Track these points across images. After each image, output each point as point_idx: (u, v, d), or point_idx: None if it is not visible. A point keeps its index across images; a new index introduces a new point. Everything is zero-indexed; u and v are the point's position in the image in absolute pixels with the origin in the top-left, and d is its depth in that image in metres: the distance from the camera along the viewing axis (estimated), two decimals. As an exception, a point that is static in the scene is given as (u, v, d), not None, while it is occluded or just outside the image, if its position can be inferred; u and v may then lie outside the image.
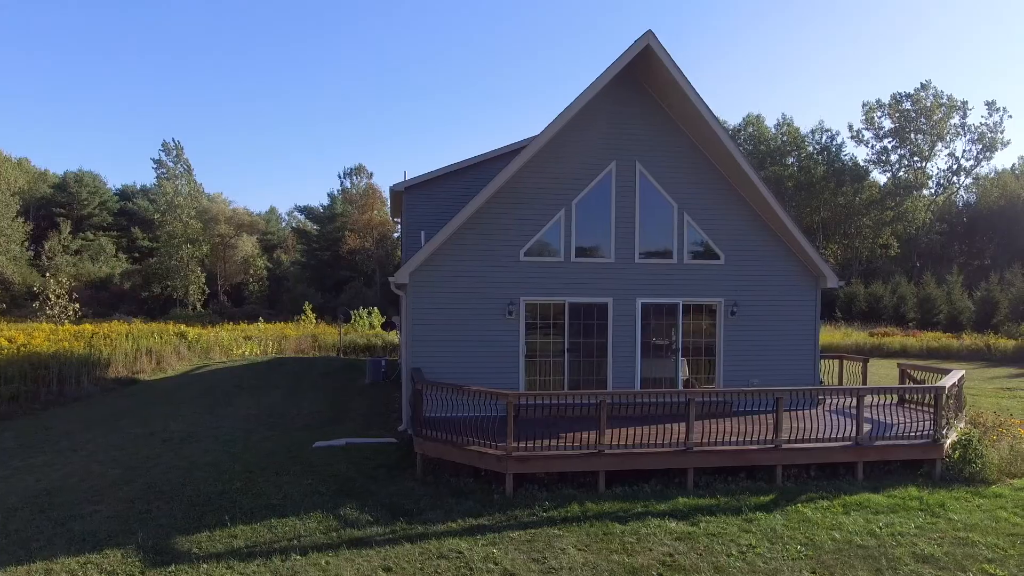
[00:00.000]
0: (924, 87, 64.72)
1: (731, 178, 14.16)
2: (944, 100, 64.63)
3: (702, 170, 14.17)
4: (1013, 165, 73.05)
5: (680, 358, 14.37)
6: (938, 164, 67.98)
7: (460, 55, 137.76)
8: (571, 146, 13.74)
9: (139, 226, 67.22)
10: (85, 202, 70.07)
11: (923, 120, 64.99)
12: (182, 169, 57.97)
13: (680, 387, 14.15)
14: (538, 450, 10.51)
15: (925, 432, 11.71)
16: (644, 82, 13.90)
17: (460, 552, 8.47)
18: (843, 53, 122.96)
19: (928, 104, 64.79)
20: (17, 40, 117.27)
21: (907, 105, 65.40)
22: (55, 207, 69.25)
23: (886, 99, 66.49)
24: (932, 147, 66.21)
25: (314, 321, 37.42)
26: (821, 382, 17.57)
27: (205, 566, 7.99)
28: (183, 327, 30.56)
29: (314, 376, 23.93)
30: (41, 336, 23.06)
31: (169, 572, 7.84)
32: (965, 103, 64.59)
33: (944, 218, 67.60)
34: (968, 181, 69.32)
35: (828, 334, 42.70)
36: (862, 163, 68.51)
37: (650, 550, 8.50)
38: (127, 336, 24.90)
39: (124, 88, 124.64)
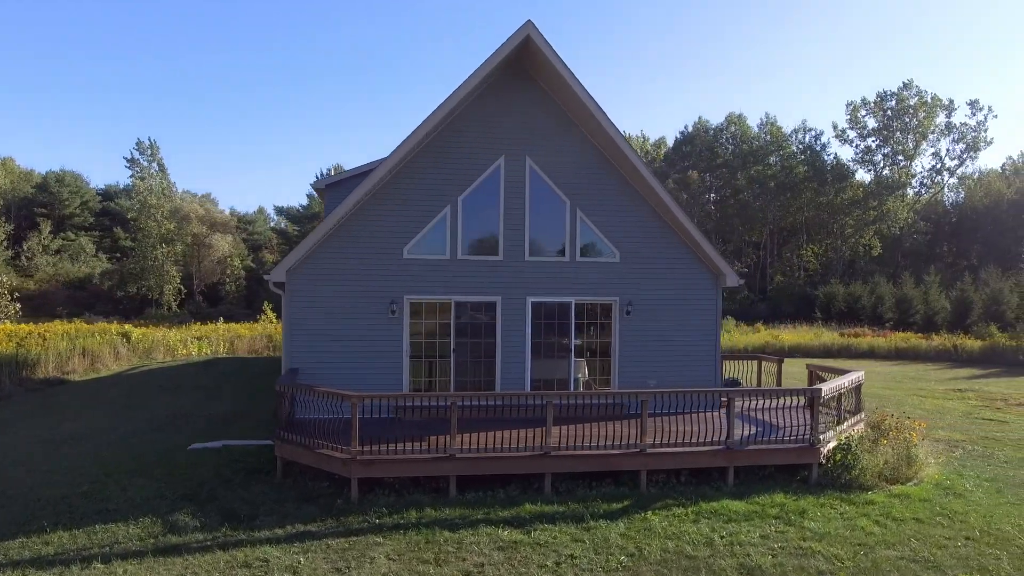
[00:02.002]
0: (907, 86, 64.16)
1: (627, 175, 13.78)
2: (928, 99, 64.05)
3: (597, 166, 13.80)
4: (1002, 165, 72.55)
5: (575, 359, 14.00)
6: (922, 163, 67.47)
7: (448, 50, 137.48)
8: (458, 140, 13.39)
9: (121, 226, 67.08)
10: (66, 202, 70.01)
11: (907, 119, 64.42)
12: (156, 168, 57.75)
13: (573, 388, 13.78)
14: (385, 453, 10.15)
15: (803, 436, 11.32)
16: (535, 76, 13.55)
17: (267, 560, 8.13)
18: (827, 52, 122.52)
19: (912, 103, 64.24)
20: (5, 37, 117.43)
21: (891, 104, 64.85)
22: (36, 207, 69.19)
23: (871, 98, 65.94)
24: (916, 146, 65.65)
25: (275, 321, 37.12)
26: (739, 383, 17.20)
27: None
28: (128, 327, 30.29)
29: (243, 377, 23.61)
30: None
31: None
32: (951, 102, 64.05)
33: (929, 218, 67.06)
34: (953, 181, 68.78)
35: (798, 334, 42.29)
36: (847, 163, 68.01)
37: (463, 560, 8.14)
38: (63, 336, 24.60)
39: (114, 88, 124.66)
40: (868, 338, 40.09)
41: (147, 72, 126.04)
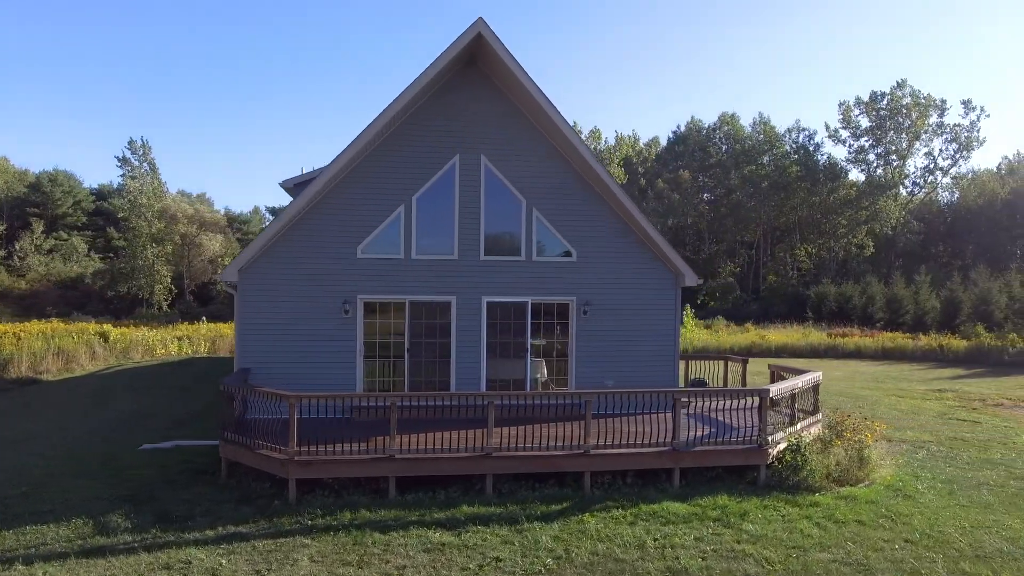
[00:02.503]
0: (900, 85, 63.97)
1: (584, 175, 13.68)
2: (921, 99, 63.87)
3: (553, 165, 13.70)
4: (998, 165, 72.34)
5: (533, 359, 13.90)
6: (915, 163, 67.30)
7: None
8: (412, 138, 13.30)
9: (114, 226, 67.02)
10: (59, 202, 70.01)
11: (900, 119, 64.24)
12: (147, 168, 57.69)
13: (531, 388, 13.68)
14: (324, 454, 10.06)
15: (751, 437, 11.21)
16: (491, 74, 13.45)
17: (189, 562, 8.04)
18: (821, 51, 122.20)
19: (905, 103, 64.04)
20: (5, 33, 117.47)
21: (884, 104, 64.66)
22: (29, 207, 69.16)
23: (864, 98, 65.73)
24: (909, 146, 65.47)
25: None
26: (705, 383, 17.08)
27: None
28: (107, 326, 30.25)
29: (217, 376, 23.50)
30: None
31: None
32: (943, 102, 63.84)
33: (922, 218, 66.89)
34: (947, 181, 68.60)
35: (786, 334, 42.15)
36: (840, 162, 67.84)
37: (386, 562, 8.05)
38: (39, 336, 24.54)
39: (113, 87, 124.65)
40: (855, 338, 39.96)
41: (146, 72, 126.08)
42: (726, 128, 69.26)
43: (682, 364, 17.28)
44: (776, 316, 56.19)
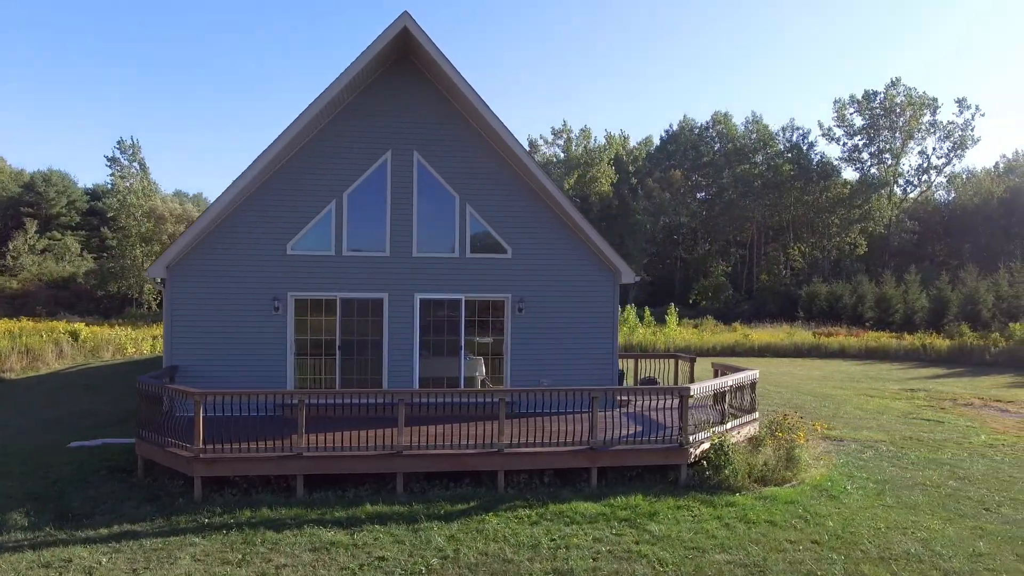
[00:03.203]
0: (894, 84, 63.55)
1: (520, 172, 13.52)
2: (915, 97, 63.44)
3: (487, 161, 13.54)
4: (996, 163, 71.75)
5: (473, 357, 13.75)
6: (910, 162, 66.85)
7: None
8: (344, 134, 13.17)
9: (107, 226, 67.14)
10: (53, 201, 70.19)
11: (894, 117, 63.83)
12: (137, 168, 57.81)
13: (463, 386, 13.52)
14: (232, 452, 9.93)
15: (672, 437, 11.04)
16: (424, 70, 13.30)
17: (69, 560, 7.93)
18: (815, 50, 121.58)
19: (899, 101, 63.62)
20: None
21: (878, 102, 64.25)
22: (23, 206, 69.36)
23: (858, 96, 65.33)
24: (903, 144, 65.04)
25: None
26: (656, 381, 16.90)
27: None
28: (78, 325, 30.25)
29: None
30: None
31: None
32: (935, 100, 63.38)
33: (917, 217, 66.43)
34: (941, 179, 68.13)
35: (771, 334, 41.89)
36: (834, 161, 67.46)
37: (268, 561, 7.92)
38: (5, 335, 24.51)
39: (111, 87, 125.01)
40: (840, 337, 39.68)
41: (145, 72, 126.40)
42: (719, 127, 68.94)
43: (632, 362, 17.15)
44: (768, 315, 55.96)
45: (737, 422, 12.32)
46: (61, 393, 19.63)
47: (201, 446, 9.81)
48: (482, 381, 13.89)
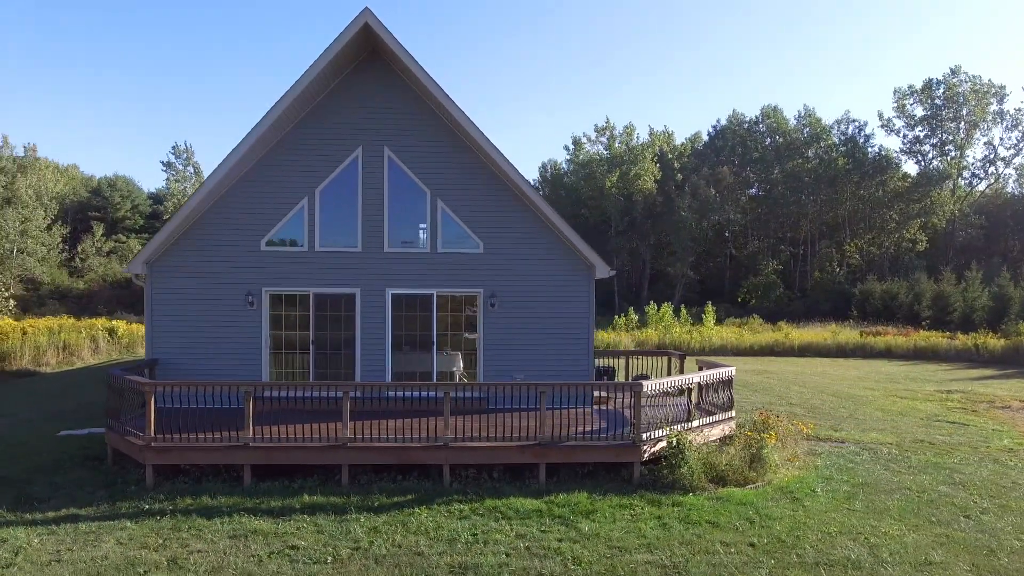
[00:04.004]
0: (955, 72, 60.39)
1: (491, 166, 13.43)
2: (980, 86, 60.15)
3: (458, 156, 13.50)
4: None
5: (447, 351, 13.74)
6: (975, 153, 63.43)
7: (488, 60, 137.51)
8: (315, 131, 13.35)
9: (168, 228, 69.84)
10: (117, 205, 73.68)
11: (957, 107, 60.67)
12: (191, 171, 60.14)
13: (436, 380, 13.53)
14: (182, 441, 10.20)
15: (626, 434, 10.77)
16: (393, 66, 13.35)
17: (4, 540, 8.27)
18: (871, 40, 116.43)
19: (962, 90, 60.44)
20: (70, 50, 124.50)
21: (940, 92, 61.20)
22: (91, 211, 73.14)
23: (918, 86, 62.40)
24: (968, 135, 61.75)
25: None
26: (648, 377, 16.52)
27: None
28: (117, 322, 31.65)
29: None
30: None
31: None
32: (1002, 88, 59.98)
33: (985, 210, 62.97)
34: (1010, 171, 64.36)
35: (812, 333, 40.49)
36: (894, 153, 64.60)
37: (186, 546, 8.09)
38: (45, 331, 25.87)
39: (173, 95, 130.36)
40: (887, 337, 38.01)
41: (196, 77, 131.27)
42: (769, 121, 66.92)
43: (623, 360, 16.84)
44: (819, 314, 54.11)
45: (706, 420, 11.93)
46: (77, 386, 20.56)
47: (152, 435, 10.10)
48: (461, 376, 13.86)
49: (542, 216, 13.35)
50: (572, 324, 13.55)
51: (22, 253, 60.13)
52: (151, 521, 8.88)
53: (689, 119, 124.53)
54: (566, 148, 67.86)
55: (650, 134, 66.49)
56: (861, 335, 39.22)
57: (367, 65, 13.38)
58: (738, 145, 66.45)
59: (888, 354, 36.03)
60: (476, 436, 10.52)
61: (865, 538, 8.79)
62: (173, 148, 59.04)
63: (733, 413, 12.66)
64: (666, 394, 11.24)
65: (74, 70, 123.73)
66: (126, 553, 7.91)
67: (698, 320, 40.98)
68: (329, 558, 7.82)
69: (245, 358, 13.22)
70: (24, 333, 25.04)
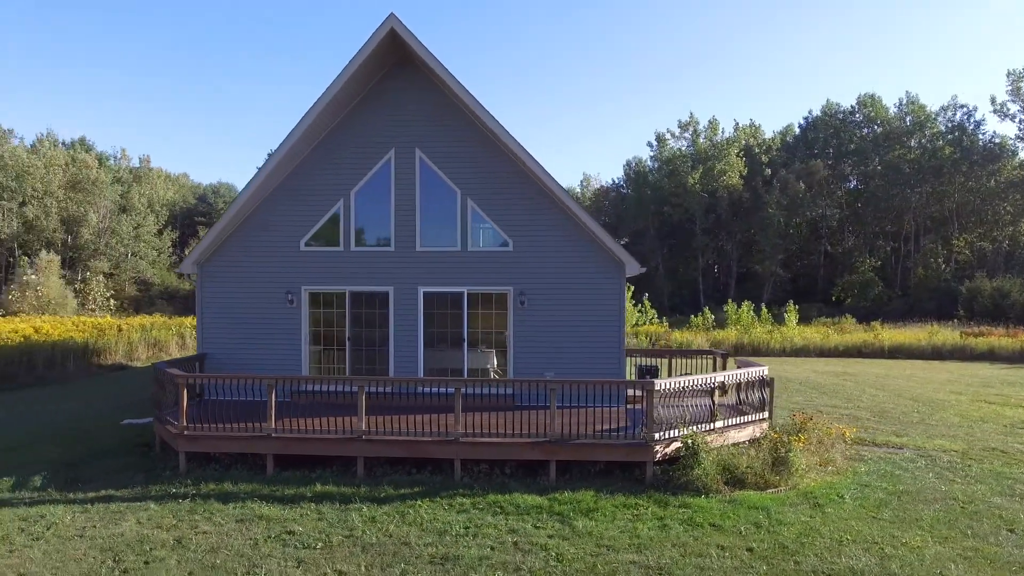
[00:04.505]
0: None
1: (520, 165, 13.48)
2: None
3: (487, 155, 13.62)
4: None
5: (481, 349, 13.89)
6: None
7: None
8: (351, 134, 13.81)
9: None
10: (221, 211, 78.65)
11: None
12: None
13: (466, 376, 13.71)
14: (211, 431, 10.85)
15: (638, 433, 10.60)
16: (423, 70, 13.64)
17: (43, 516, 9.10)
18: (980, 22, 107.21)
19: (1088, 68, 55.03)
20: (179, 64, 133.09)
21: (1061, 70, 55.99)
22: (197, 216, 78.35)
23: (1036, 66, 57.30)
24: (1097, 117, 56.21)
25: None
26: (654, 373, 16.12)
27: None
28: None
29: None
30: (62, 328, 26.55)
31: None
32: None
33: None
34: None
35: (906, 334, 38.14)
36: (1010, 140, 59.69)
37: (195, 527, 8.65)
38: (139, 328, 27.96)
39: (278, 103, 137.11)
40: (991, 338, 35.28)
41: (290, 86, 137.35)
42: (866, 110, 63.30)
43: (666, 360, 16.49)
44: (921, 314, 50.88)
45: (732, 421, 11.54)
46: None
47: (184, 424, 10.79)
48: (493, 373, 14.00)
49: (572, 214, 13.29)
50: (602, 322, 13.41)
51: (135, 256, 65.02)
52: (173, 504, 9.50)
53: (777, 112, 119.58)
54: (649, 145, 66.72)
55: (735, 128, 64.35)
56: (961, 336, 36.55)
57: (398, 70, 13.74)
58: (832, 137, 63.27)
59: (990, 356, 33.49)
60: (487, 432, 10.62)
61: (880, 548, 8.31)
62: (269, 154, 62.16)
63: (766, 414, 12.17)
64: (684, 393, 10.95)
65: (190, 82, 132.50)
66: (141, 532, 8.51)
67: (781, 320, 39.39)
68: (320, 544, 8.14)
69: (287, 354, 13.86)
70: (120, 330, 27.15)
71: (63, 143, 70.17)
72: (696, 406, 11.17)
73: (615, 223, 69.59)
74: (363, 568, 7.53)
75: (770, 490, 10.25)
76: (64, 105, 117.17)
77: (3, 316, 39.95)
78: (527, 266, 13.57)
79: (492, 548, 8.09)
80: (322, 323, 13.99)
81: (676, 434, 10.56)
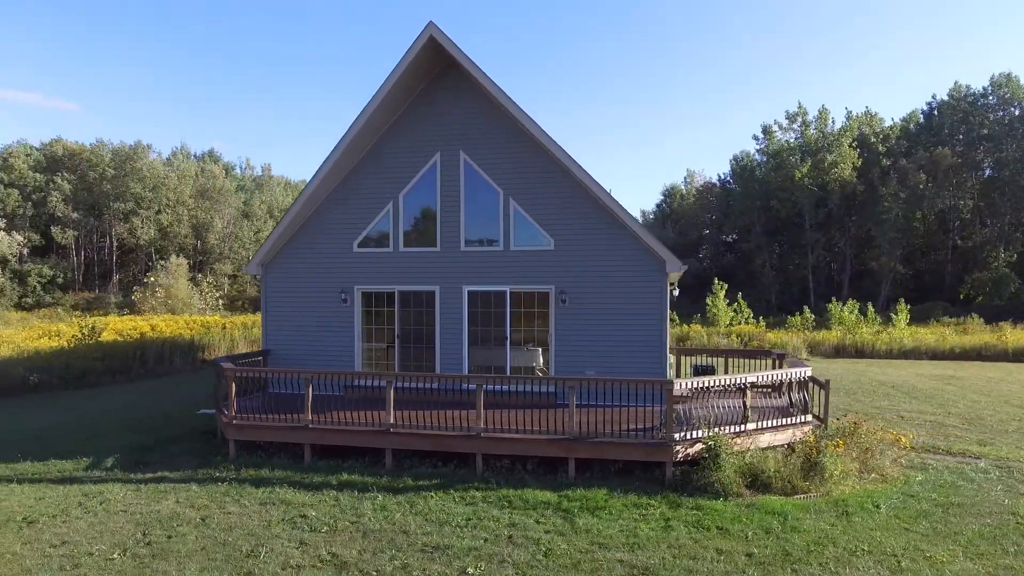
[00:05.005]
0: None
1: (560, 164, 13.55)
2: None
3: (528, 155, 13.73)
4: None
5: (529, 347, 14.05)
6: None
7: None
8: (399, 140, 14.33)
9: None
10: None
11: None
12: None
13: (508, 374, 13.91)
14: (256, 421, 11.68)
15: (658, 433, 10.45)
16: (465, 73, 13.96)
17: (101, 492, 10.18)
18: None
19: None
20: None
21: None
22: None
23: None
24: None
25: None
26: (712, 370, 15.59)
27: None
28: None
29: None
30: (174, 326, 29.05)
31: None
32: None
33: None
34: None
35: (978, 335, 34.56)
36: None
37: (223, 507, 9.41)
38: (241, 326, 30.09)
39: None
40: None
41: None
42: (1001, 92, 57.73)
43: (721, 360, 16.02)
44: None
45: (768, 424, 11.11)
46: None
47: (232, 414, 11.67)
48: (538, 371, 14.15)
49: (612, 213, 13.21)
50: (643, 319, 13.22)
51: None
52: (212, 486, 10.32)
53: (895, 99, 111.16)
54: (755, 138, 63.96)
55: (848, 117, 60.54)
56: (1029, 336, 32.87)
57: (443, 76, 14.16)
58: (960, 123, 58.23)
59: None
60: (509, 428, 10.81)
61: (896, 561, 7.85)
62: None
63: (809, 417, 11.62)
64: (710, 393, 10.68)
65: (311, 93, 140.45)
66: (175, 510, 9.34)
67: (890, 320, 36.90)
68: (326, 528, 8.63)
69: (341, 350, 14.61)
70: (224, 328, 29.35)
71: (194, 155, 76.23)
72: (726, 407, 10.85)
73: (720, 219, 67.40)
74: (356, 552, 7.93)
75: (798, 496, 9.82)
76: (198, 117, 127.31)
77: (129, 315, 44.14)
78: (568, 264, 13.61)
79: (485, 540, 8.28)
80: (373, 321, 14.63)
81: (700, 435, 10.31)
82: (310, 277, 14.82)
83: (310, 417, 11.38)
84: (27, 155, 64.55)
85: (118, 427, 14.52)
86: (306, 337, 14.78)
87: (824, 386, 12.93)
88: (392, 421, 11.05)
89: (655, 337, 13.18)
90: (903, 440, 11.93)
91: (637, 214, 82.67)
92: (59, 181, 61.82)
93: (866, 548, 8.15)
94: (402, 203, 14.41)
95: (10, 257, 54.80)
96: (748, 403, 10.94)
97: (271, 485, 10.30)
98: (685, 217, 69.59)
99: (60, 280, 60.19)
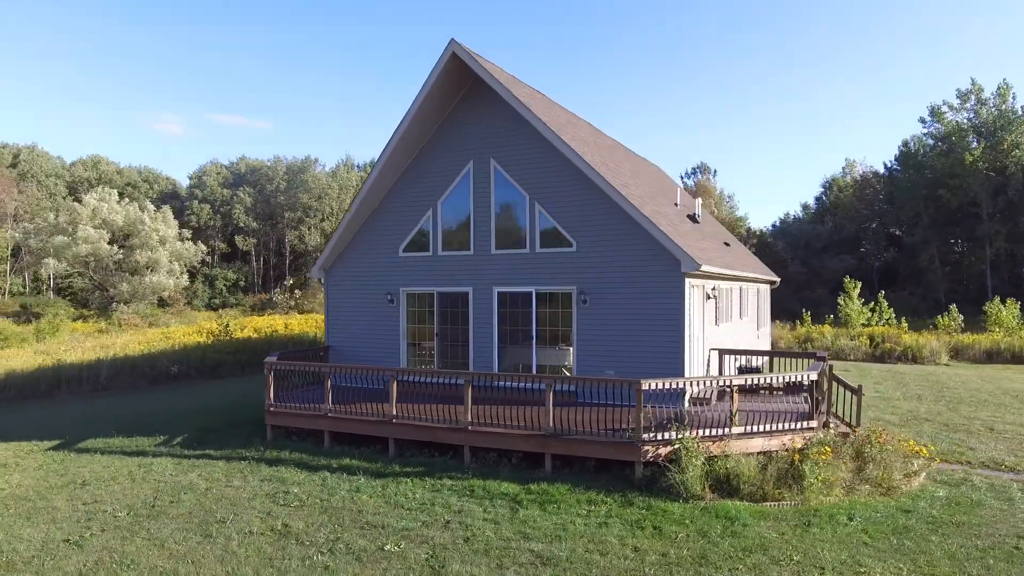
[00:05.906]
0: None
1: (574, 166, 13.80)
2: None
3: (550, 160, 14.03)
4: None
5: (561, 347, 14.40)
6: None
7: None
8: (436, 151, 15.26)
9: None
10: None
11: None
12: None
13: (535, 373, 14.35)
14: (284, 409, 13.15)
15: (628, 432, 10.53)
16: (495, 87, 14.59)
17: (151, 465, 12.02)
18: None
19: None
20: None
21: None
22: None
23: None
24: None
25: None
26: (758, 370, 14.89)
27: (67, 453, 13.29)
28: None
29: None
30: (305, 324, 32.22)
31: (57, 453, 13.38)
32: None
33: None
34: None
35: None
36: None
37: (230, 484, 10.78)
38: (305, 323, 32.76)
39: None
40: None
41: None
42: None
43: (766, 360, 15.35)
44: None
45: (760, 428, 10.75)
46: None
47: (270, 402, 13.22)
48: (565, 370, 14.48)
49: (626, 214, 13.26)
50: (660, 318, 13.10)
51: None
52: (236, 463, 11.83)
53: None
54: (922, 120, 57.87)
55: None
56: None
57: (474, 88, 14.93)
58: None
59: None
60: (493, 423, 11.35)
61: (820, 573, 7.55)
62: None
63: (814, 423, 11.05)
64: (712, 392, 10.54)
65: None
66: (192, 481, 10.89)
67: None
68: (296, 503, 9.74)
69: (389, 347, 15.83)
70: (286, 326, 32.06)
71: (357, 166, 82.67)
72: (716, 410, 10.67)
73: (884, 211, 61.90)
74: (304, 524, 8.94)
75: (768, 503, 9.50)
76: (363, 127, 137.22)
77: (298, 315, 48.97)
78: (588, 266, 13.82)
79: (423, 523, 8.95)
80: (416, 320, 15.70)
81: (669, 436, 10.27)
82: (363, 280, 16.19)
83: (329, 407, 12.61)
84: (217, 173, 73.59)
85: (204, 412, 16.72)
86: (359, 335, 16.16)
87: (857, 392, 12.21)
88: (394, 413, 11.99)
89: (673, 335, 13.03)
90: (923, 452, 10.95)
91: (797, 210, 77.95)
92: (241, 195, 69.86)
93: (796, 558, 7.87)
94: (440, 210, 15.35)
95: (197, 265, 62.71)
96: (735, 406, 10.66)
97: (281, 465, 11.61)
98: (843, 210, 64.63)
99: (242, 283, 67.94)
